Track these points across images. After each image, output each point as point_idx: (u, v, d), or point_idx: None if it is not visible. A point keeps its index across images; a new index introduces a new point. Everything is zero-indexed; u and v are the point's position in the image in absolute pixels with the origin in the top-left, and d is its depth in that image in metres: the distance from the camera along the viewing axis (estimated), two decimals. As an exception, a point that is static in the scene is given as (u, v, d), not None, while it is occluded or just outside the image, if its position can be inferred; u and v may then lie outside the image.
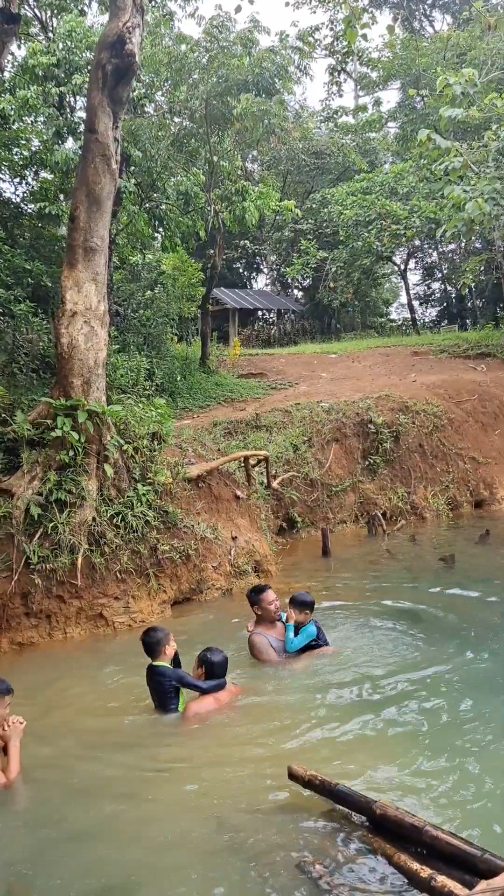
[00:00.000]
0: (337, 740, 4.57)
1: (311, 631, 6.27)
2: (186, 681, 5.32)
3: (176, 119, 15.50)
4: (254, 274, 40.26)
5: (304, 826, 3.52)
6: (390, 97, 38.82)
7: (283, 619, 6.40)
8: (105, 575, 7.58)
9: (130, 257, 20.40)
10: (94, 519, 7.62)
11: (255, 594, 6.44)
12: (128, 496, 7.96)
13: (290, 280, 35.96)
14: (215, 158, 15.19)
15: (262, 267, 39.74)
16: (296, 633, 6.25)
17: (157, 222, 16.89)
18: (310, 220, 30.53)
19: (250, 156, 30.96)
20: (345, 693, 5.38)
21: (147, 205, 16.16)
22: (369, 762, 4.17)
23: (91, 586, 7.49)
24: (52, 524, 7.38)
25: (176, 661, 5.49)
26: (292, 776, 3.72)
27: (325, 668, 6.00)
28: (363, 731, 4.67)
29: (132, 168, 14.76)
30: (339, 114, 36.70)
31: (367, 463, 13.53)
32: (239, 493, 9.84)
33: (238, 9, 10.12)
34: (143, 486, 8.14)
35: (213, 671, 5.36)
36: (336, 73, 37.52)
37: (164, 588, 8.07)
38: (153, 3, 15.56)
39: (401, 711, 4.95)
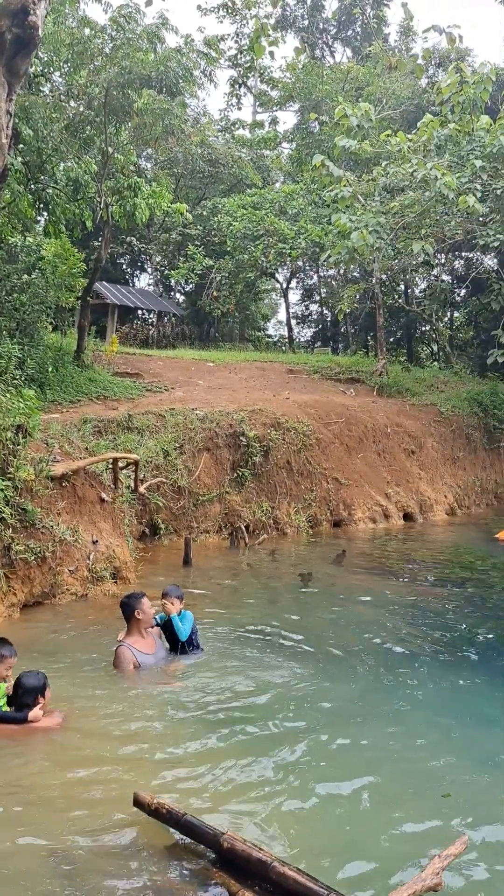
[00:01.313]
0: (187, 767, 4.43)
1: (189, 615, 6.62)
2: None
3: (73, 103, 14.96)
4: (137, 272, 39.65)
5: (147, 860, 3.37)
6: (287, 118, 39.77)
7: (159, 621, 6.56)
8: (-50, 573, 7.06)
9: (9, 237, 19.42)
10: None
11: (135, 599, 6.31)
12: (-16, 491, 7.47)
13: (173, 283, 35.72)
14: (110, 149, 14.78)
15: (146, 266, 39.22)
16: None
17: (42, 205, 16.19)
18: (199, 227, 30.51)
19: (145, 153, 30.52)
20: (196, 716, 5.26)
21: (33, 186, 15.45)
22: (220, 791, 4.07)
23: None
24: None
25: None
26: (138, 804, 3.56)
27: (179, 688, 5.88)
28: (215, 758, 4.55)
29: (21, 146, 14.06)
30: (237, 126, 37.07)
31: (235, 475, 13.58)
32: (104, 495, 9.54)
33: (149, 2, 9.90)
34: (2, 480, 7.68)
35: (17, 696, 4.96)
36: (237, 86, 37.95)
37: (14, 590, 7.64)
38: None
39: (254, 737, 4.90)
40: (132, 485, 10.93)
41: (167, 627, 6.63)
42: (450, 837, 3.53)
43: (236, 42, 35.24)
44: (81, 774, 4.27)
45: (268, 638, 7.46)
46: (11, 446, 8.01)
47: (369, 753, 4.77)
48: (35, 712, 4.88)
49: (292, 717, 5.27)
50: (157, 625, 6.63)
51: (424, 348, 35.21)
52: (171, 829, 3.49)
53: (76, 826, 3.67)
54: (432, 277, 28.12)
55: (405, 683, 6.26)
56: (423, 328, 32.86)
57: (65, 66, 13.88)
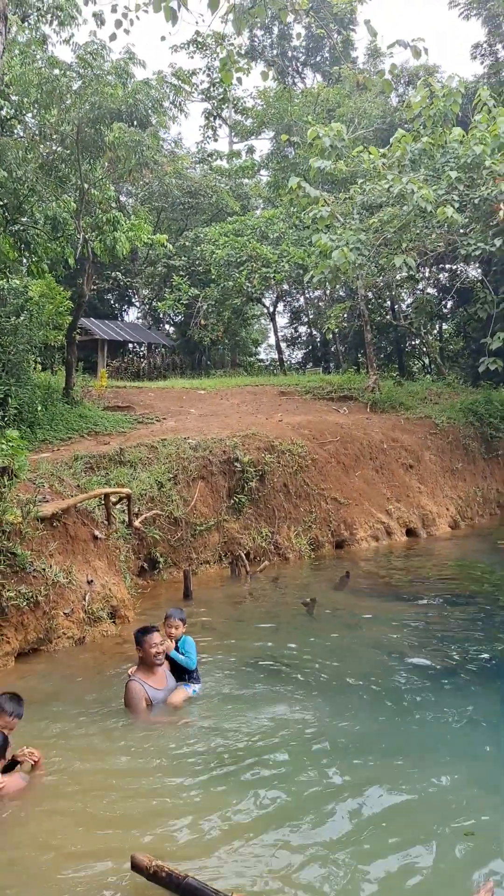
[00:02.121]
0: (191, 823, 4.16)
1: (190, 640, 6.64)
2: None
3: (46, 142, 14.98)
4: (125, 306, 39.78)
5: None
6: (263, 146, 40.16)
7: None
8: None
9: (-5, 281, 19.40)
10: None
11: (140, 634, 6.26)
12: (-30, 537, 7.25)
13: (161, 315, 35.80)
14: (86, 186, 14.78)
15: (133, 300, 39.36)
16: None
17: (23, 246, 16.17)
18: (182, 257, 30.64)
19: (125, 189, 30.75)
20: (198, 763, 4.99)
21: (12, 228, 15.43)
22: (224, 850, 3.80)
23: None
24: None
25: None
26: (136, 867, 3.31)
27: (183, 730, 5.62)
28: (219, 813, 4.27)
29: (-3, 188, 14.07)
30: (214, 157, 37.44)
31: (232, 502, 13.35)
32: (98, 532, 9.31)
33: (113, 36, 9.92)
34: (-11, 526, 7.47)
35: None
36: (211, 118, 38.39)
37: (8, 638, 7.38)
38: (26, 23, 15.09)
39: (262, 787, 4.61)
40: (127, 519, 10.72)
41: (170, 659, 6.45)
42: (474, 881, 3.27)
43: (208, 76, 35.71)
44: (73, 835, 4.01)
45: (274, 669, 7.20)
46: (-3, 489, 7.82)
47: (384, 792, 4.49)
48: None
49: (302, 759, 5.01)
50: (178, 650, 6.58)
51: (415, 362, 35.18)
52: (172, 895, 3.23)
53: (72, 892, 3.41)
54: (418, 291, 28.16)
55: (419, 714, 5.98)
56: (413, 342, 32.85)
57: (35, 106, 13.91)
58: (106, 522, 9.74)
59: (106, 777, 4.85)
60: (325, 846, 3.81)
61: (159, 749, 5.27)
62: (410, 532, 15.81)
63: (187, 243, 30.74)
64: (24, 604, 7.50)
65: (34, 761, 4.76)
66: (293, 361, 38.62)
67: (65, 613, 8.02)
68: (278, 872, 3.56)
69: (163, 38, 10.13)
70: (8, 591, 7.36)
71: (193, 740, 5.39)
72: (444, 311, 30.36)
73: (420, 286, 27.25)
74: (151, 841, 3.91)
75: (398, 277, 22.38)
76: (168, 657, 6.47)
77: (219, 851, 3.73)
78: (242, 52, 31.77)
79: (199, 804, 4.39)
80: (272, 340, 39.14)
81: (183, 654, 6.49)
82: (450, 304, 29.46)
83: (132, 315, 39.85)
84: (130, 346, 35.80)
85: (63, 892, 3.44)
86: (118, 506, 10.53)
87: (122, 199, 30.21)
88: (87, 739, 5.49)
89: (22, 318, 16.51)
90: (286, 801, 4.35)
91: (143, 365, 33.77)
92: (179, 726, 5.70)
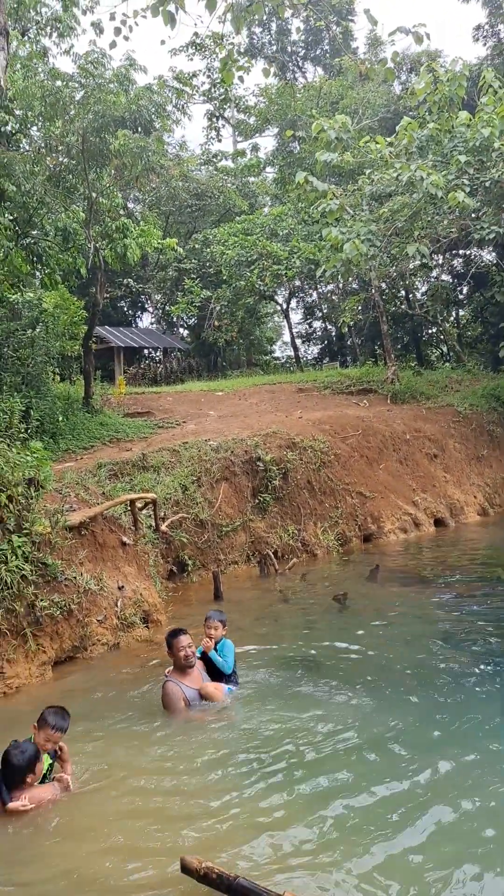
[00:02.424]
0: (237, 823, 4.13)
1: (229, 644, 6.57)
2: None
3: (52, 155, 15.08)
4: (139, 312, 39.94)
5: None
6: (267, 143, 40.11)
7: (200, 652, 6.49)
8: (-24, 638, 6.87)
9: (9, 295, 19.58)
10: (-38, 577, 6.91)
11: (170, 637, 6.31)
12: (1, 549, 7.30)
13: (175, 318, 35.90)
14: (94, 195, 14.85)
15: (146, 306, 39.52)
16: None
17: (35, 259, 16.29)
18: (193, 260, 30.70)
19: (132, 196, 30.87)
20: (242, 764, 4.97)
21: (24, 241, 15.55)
22: (275, 850, 3.77)
23: (-41, 652, 6.76)
24: None
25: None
26: (185, 869, 3.30)
27: (230, 729, 5.61)
28: (264, 812, 4.25)
29: (6, 203, 14.18)
30: (219, 158, 37.45)
31: (256, 501, 13.33)
32: (125, 538, 9.34)
33: (113, 44, 9.93)
34: (19, 537, 7.51)
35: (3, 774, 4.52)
36: (214, 119, 38.41)
37: (44, 648, 7.42)
38: (26, 37, 15.20)
39: (308, 785, 4.56)
40: (153, 524, 10.74)
41: (207, 660, 6.44)
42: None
43: (208, 77, 35.75)
44: (121, 840, 4.01)
45: (311, 666, 7.17)
46: (24, 501, 7.86)
47: (435, 795, 4.42)
48: (13, 805, 4.38)
49: (347, 757, 4.96)
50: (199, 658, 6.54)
51: (433, 350, 34.88)
52: (224, 896, 3.22)
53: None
54: (432, 279, 27.94)
55: (465, 704, 5.89)
56: (430, 331, 32.60)
57: (39, 119, 14.00)
58: (133, 528, 9.77)
59: (148, 779, 4.85)
60: (380, 848, 3.76)
61: (200, 750, 5.26)
62: (439, 522, 15.68)
63: (197, 246, 30.79)
64: (58, 613, 7.54)
65: (64, 785, 4.69)
66: (309, 357, 38.50)
67: (98, 620, 8.05)
68: (328, 874, 3.53)
69: (162, 42, 10.17)
70: (41, 600, 7.40)
71: (235, 740, 5.37)
72: (460, 297, 30.07)
73: (434, 273, 27.04)
74: (197, 843, 3.90)
75: (411, 266, 22.23)
76: (206, 658, 6.46)
77: (267, 853, 3.70)
78: (242, 50, 31.77)
79: (243, 805, 4.37)
80: (286, 338, 39.07)
81: (221, 657, 6.47)
82: (465, 289, 29.17)
83: (146, 321, 40.03)
84: (146, 351, 35.95)
85: (115, 892, 3.44)
86: (144, 511, 10.56)
87: (130, 205, 30.35)
88: (127, 742, 5.50)
89: (38, 330, 16.64)
90: (332, 800, 4.31)
91: (160, 370, 33.89)
92: (219, 727, 5.68)
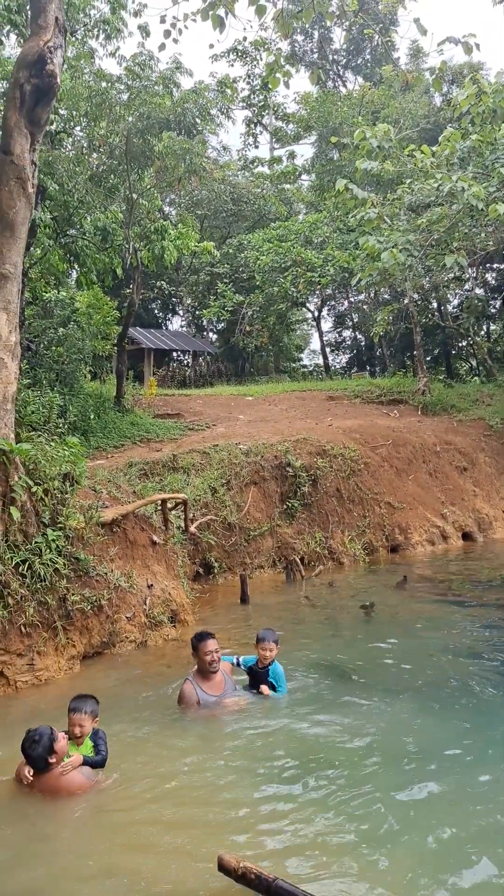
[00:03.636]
0: (266, 825, 4.09)
1: (280, 670, 6.33)
2: None
3: (95, 154, 15.25)
4: (169, 315, 40.17)
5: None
6: (303, 151, 40.23)
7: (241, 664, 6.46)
8: (8, 629, 6.89)
9: (44, 293, 19.81)
10: (-4, 567, 6.95)
11: (195, 640, 6.20)
12: (36, 542, 7.33)
13: (205, 322, 36.03)
14: (135, 196, 14.97)
15: (177, 309, 39.72)
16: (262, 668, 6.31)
17: (72, 258, 16.45)
18: (226, 265, 30.80)
19: (168, 199, 31.09)
20: (274, 766, 4.93)
21: (63, 240, 15.72)
22: (309, 851, 3.74)
23: (-9, 642, 6.80)
24: None
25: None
26: (223, 868, 3.27)
27: (249, 729, 5.58)
28: (298, 813, 4.20)
29: (48, 202, 14.35)
30: (256, 164, 37.61)
31: (284, 507, 13.30)
32: (156, 537, 9.35)
33: (162, 46, 9.98)
34: (53, 531, 7.54)
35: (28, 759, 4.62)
36: (252, 125, 38.59)
37: (73, 642, 7.45)
38: (74, 38, 15.37)
39: (340, 788, 4.52)
40: (182, 525, 10.75)
41: (256, 673, 6.36)
42: None
43: (248, 83, 35.93)
44: (155, 839, 3.99)
45: (337, 674, 7.10)
46: (60, 495, 7.90)
47: (467, 802, 4.36)
48: (60, 769, 4.58)
49: (376, 761, 4.91)
50: (238, 665, 6.53)
51: (463, 364, 34.63)
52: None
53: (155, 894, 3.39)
54: (465, 291, 27.76)
55: (485, 723, 5.80)
56: (461, 343, 32.36)
57: (84, 119, 14.16)
58: (163, 527, 9.78)
59: (175, 778, 4.83)
60: (416, 851, 3.72)
61: (227, 752, 5.23)
62: (466, 536, 15.52)
63: (231, 250, 30.90)
64: (88, 608, 7.56)
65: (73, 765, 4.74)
66: (337, 366, 38.42)
67: (127, 617, 8.06)
68: (362, 877, 3.48)
69: (211, 46, 10.19)
70: (73, 595, 7.43)
71: (256, 743, 5.32)
72: (493, 311, 29.82)
73: (467, 286, 26.87)
74: (228, 842, 3.87)
75: (446, 278, 22.10)
76: (262, 677, 6.34)
77: (305, 857, 3.67)
78: (284, 58, 31.90)
79: (274, 807, 4.33)
80: (314, 346, 39.08)
81: (273, 683, 6.30)
82: (499, 303, 28.93)
83: (176, 324, 40.25)
84: (175, 354, 36.11)
85: (150, 891, 3.42)
86: (174, 511, 10.57)
87: (166, 208, 30.57)
88: (153, 740, 5.49)
89: (69, 328, 16.80)
90: (365, 807, 4.26)
91: (189, 373, 34.02)
92: (241, 730, 5.64)
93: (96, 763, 4.83)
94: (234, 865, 3.24)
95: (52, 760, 4.57)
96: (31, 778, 4.53)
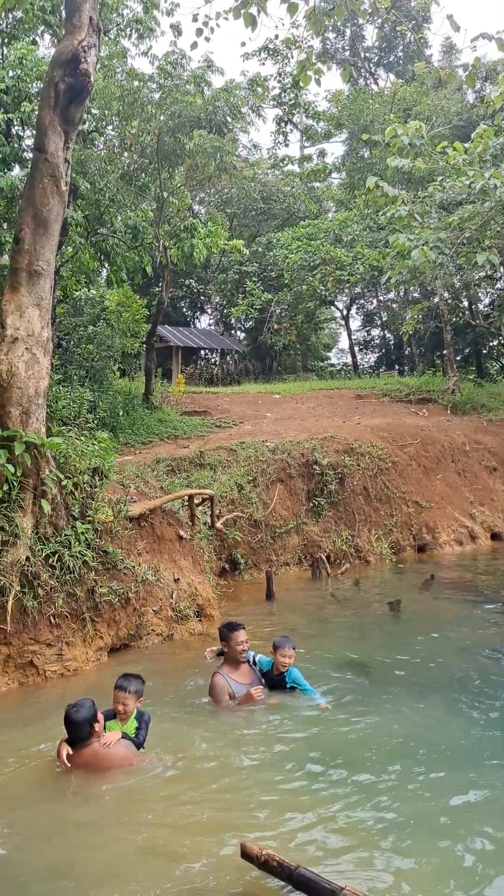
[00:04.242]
0: (290, 815, 4.13)
1: (297, 672, 6.34)
2: None
3: (126, 154, 15.38)
4: (198, 313, 40.32)
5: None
6: (334, 149, 40.12)
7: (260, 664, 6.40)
8: (38, 619, 7.02)
9: (74, 291, 20.03)
10: (27, 559, 7.07)
11: (227, 630, 6.28)
12: (65, 535, 7.45)
13: (233, 321, 36.11)
14: (165, 194, 15.08)
15: (206, 307, 39.86)
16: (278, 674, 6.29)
17: (103, 256, 16.62)
18: (255, 263, 30.83)
19: (197, 197, 31.20)
20: (296, 758, 4.97)
21: (93, 238, 15.89)
22: (333, 841, 3.77)
23: (21, 632, 6.91)
24: (-20, 564, 6.81)
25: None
26: (245, 855, 3.31)
27: (277, 723, 5.61)
28: (321, 804, 4.24)
29: (80, 200, 14.51)
30: (286, 162, 37.59)
31: (311, 504, 13.30)
32: (183, 532, 9.43)
33: (194, 45, 10.10)
34: (83, 524, 7.66)
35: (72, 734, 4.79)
36: (283, 124, 38.57)
37: (101, 634, 7.55)
38: (107, 37, 15.53)
39: (363, 781, 4.56)
40: (209, 521, 10.82)
41: (273, 680, 6.32)
42: None
43: (279, 82, 35.92)
44: (178, 827, 4.05)
45: (363, 672, 7.11)
46: (89, 489, 8.01)
47: (491, 800, 4.35)
48: (102, 742, 4.73)
49: (400, 757, 4.93)
50: (254, 665, 6.47)
51: (494, 364, 34.25)
52: (283, 884, 3.22)
53: (179, 884, 3.43)
54: (497, 290, 27.45)
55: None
56: (492, 343, 32.00)
57: (116, 118, 14.30)
58: (190, 523, 9.86)
59: (199, 767, 4.89)
60: (437, 845, 3.72)
61: (251, 743, 5.28)
62: (496, 536, 15.37)
63: (259, 249, 30.92)
64: (116, 600, 7.66)
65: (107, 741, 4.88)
66: (366, 365, 38.26)
67: (154, 610, 8.14)
68: (386, 870, 3.50)
69: (242, 44, 10.26)
70: (101, 587, 7.53)
71: (284, 737, 5.36)
72: (525, 310, 29.40)
73: (499, 284, 26.57)
74: (249, 831, 3.91)
75: (477, 276, 21.89)
76: (280, 684, 6.27)
77: (326, 846, 3.70)
78: (315, 55, 31.83)
79: (297, 798, 4.37)
80: (342, 345, 38.91)
81: (296, 686, 6.28)
82: (530, 302, 28.51)
83: (204, 322, 40.40)
84: (203, 352, 36.26)
85: (172, 880, 3.47)
86: (200, 507, 10.64)
87: (196, 207, 30.70)
88: (182, 730, 5.55)
89: (99, 326, 16.97)
90: (386, 802, 4.27)
91: (216, 371, 34.14)
92: (266, 722, 5.68)
93: (135, 743, 4.93)
94: (256, 853, 3.28)
95: (96, 728, 4.73)
96: (71, 753, 4.63)
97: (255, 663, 6.50)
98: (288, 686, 6.26)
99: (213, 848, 3.72)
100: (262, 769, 4.83)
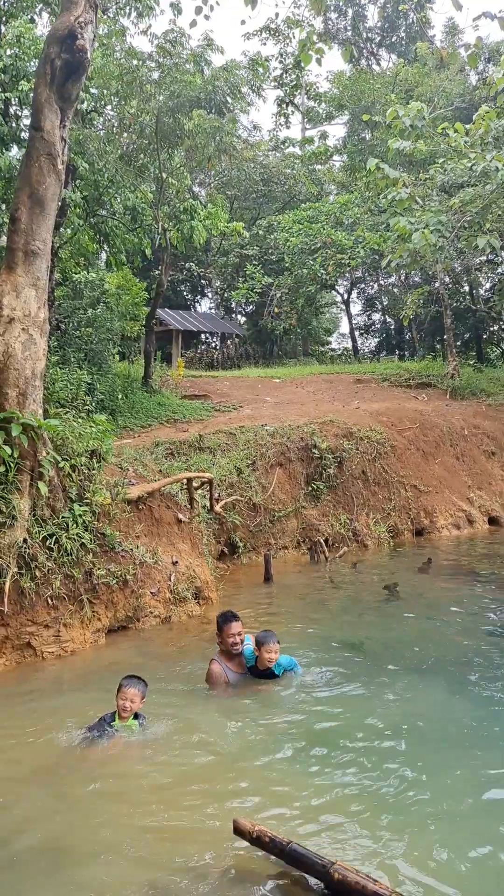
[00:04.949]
0: (284, 792, 4.17)
1: (292, 661, 6.27)
2: None
3: (125, 134, 15.21)
4: (198, 297, 40.11)
5: (249, 893, 3.13)
6: (335, 131, 39.72)
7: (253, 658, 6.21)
8: (35, 601, 7.05)
9: (74, 274, 19.91)
10: (24, 540, 7.09)
11: (221, 621, 6.20)
12: (63, 517, 7.46)
13: (233, 304, 35.93)
14: (164, 175, 14.94)
15: (206, 291, 39.66)
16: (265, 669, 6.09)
17: (102, 238, 16.49)
18: (255, 246, 30.63)
19: (197, 179, 30.94)
20: (291, 739, 5.01)
21: (92, 219, 15.76)
22: (325, 818, 3.80)
23: (19, 613, 6.94)
24: (-23, 545, 6.82)
25: None
26: (238, 831, 3.34)
27: (273, 704, 5.64)
28: (315, 782, 4.28)
29: (78, 181, 14.38)
30: (287, 144, 37.24)
31: (310, 488, 13.31)
32: (181, 515, 9.44)
33: (193, 23, 9.98)
34: (80, 506, 7.67)
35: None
36: (284, 105, 38.13)
37: (99, 615, 7.58)
38: (105, 15, 15.32)
39: (357, 760, 4.60)
40: (208, 504, 10.83)
41: (260, 675, 6.19)
42: None
43: (280, 62, 35.47)
44: (173, 803, 4.08)
45: (360, 653, 7.14)
46: (87, 471, 8.02)
47: (485, 779, 4.38)
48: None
49: (397, 738, 4.95)
50: (246, 659, 6.33)
51: (494, 349, 34.13)
52: (275, 859, 3.25)
53: (173, 858, 3.47)
54: (497, 274, 27.31)
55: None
56: (492, 328, 31.88)
57: (114, 98, 14.13)
58: (188, 506, 9.87)
59: (194, 748, 4.93)
60: (429, 822, 3.76)
61: (246, 726, 5.31)
62: (493, 521, 15.40)
63: (260, 232, 30.72)
64: (114, 582, 7.68)
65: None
66: (366, 350, 38.13)
67: (151, 593, 8.17)
68: (377, 845, 3.53)
69: (242, 22, 10.09)
70: (98, 569, 7.55)
71: (279, 718, 5.39)
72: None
73: (500, 269, 26.44)
74: (244, 809, 3.94)
75: (478, 260, 21.77)
76: (269, 678, 6.17)
77: (319, 822, 3.73)
78: (317, 35, 31.44)
79: (291, 777, 4.40)
80: (343, 329, 38.75)
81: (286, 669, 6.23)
82: (532, 287, 28.37)
83: (205, 305, 40.21)
84: (203, 336, 36.12)
85: (166, 854, 3.51)
86: (199, 491, 10.65)
87: (196, 188, 30.43)
88: (178, 714, 5.58)
89: (98, 309, 16.87)
90: (384, 778, 4.31)
91: (217, 355, 34.01)
92: (260, 706, 5.71)
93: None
94: (248, 829, 3.31)
95: None
96: None
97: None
98: (278, 674, 6.19)
99: (205, 824, 3.75)
100: (257, 749, 4.86)
